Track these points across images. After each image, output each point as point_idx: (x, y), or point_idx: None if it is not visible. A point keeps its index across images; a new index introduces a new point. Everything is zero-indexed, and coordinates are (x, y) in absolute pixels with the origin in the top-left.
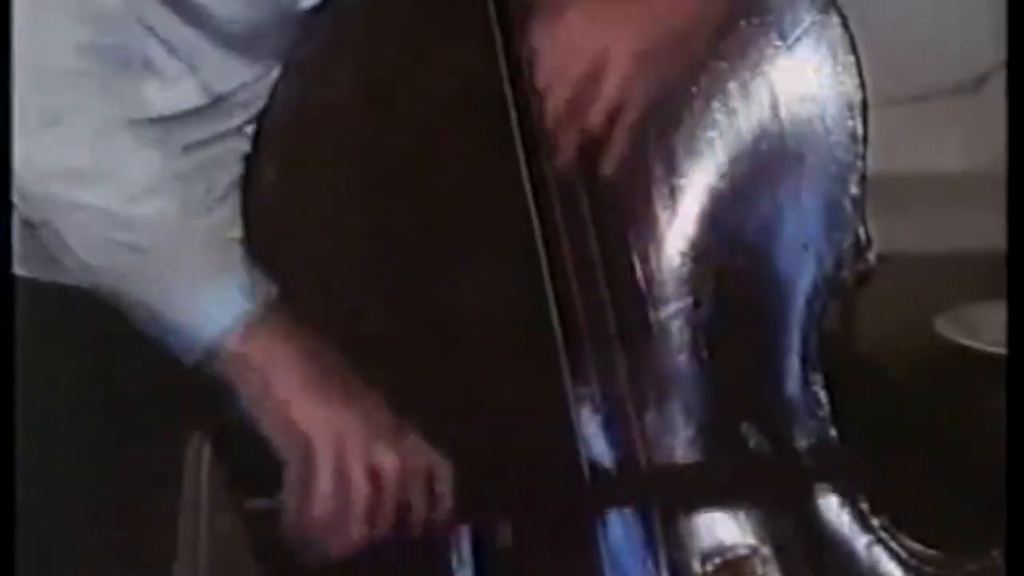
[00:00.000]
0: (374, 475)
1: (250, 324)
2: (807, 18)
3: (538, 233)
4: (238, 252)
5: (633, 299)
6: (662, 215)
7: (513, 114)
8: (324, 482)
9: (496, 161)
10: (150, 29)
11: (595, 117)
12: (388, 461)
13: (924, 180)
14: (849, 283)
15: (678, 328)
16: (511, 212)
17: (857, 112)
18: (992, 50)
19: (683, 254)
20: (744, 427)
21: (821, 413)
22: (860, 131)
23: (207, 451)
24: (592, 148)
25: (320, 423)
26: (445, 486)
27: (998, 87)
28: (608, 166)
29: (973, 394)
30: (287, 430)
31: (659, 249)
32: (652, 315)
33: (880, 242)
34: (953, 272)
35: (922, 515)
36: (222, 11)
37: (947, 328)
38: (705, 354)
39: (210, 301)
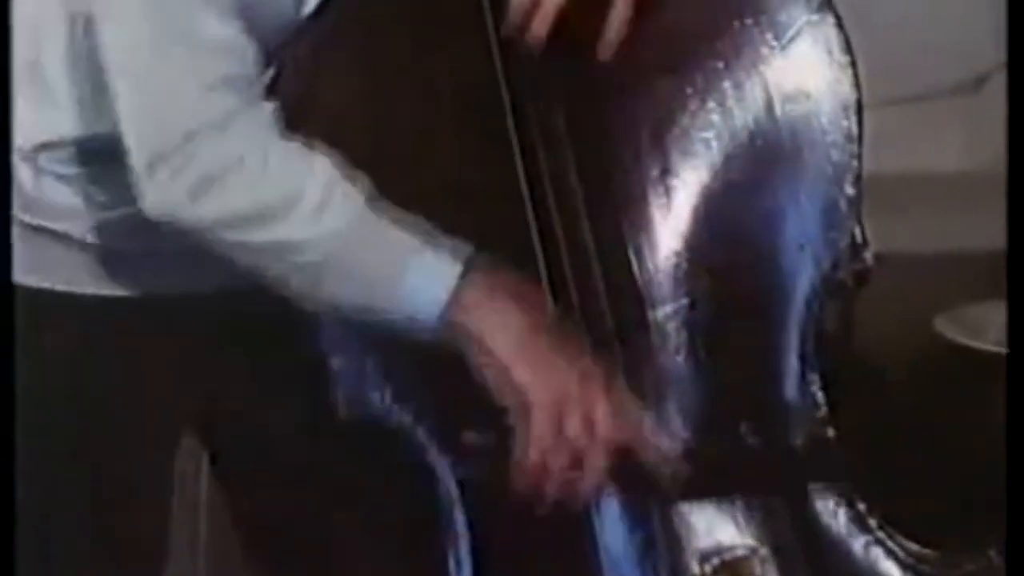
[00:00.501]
0: (589, 427)
1: (459, 291)
2: (802, 18)
3: (535, 234)
4: (414, 223)
5: (630, 299)
6: (657, 215)
7: (509, 112)
8: (543, 437)
9: (493, 158)
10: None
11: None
12: (603, 416)
13: (924, 180)
14: (848, 283)
15: (675, 328)
16: (508, 212)
17: (852, 112)
18: (992, 50)
19: (678, 254)
20: (743, 427)
21: (819, 413)
22: (855, 131)
23: (204, 456)
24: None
25: (538, 379)
26: (664, 444)
27: (998, 87)
28: (604, 52)
29: (972, 393)
30: (509, 390)
31: (655, 249)
32: (649, 315)
33: (880, 242)
34: (953, 272)
35: (920, 515)
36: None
37: (947, 327)
38: (702, 354)
39: (416, 280)
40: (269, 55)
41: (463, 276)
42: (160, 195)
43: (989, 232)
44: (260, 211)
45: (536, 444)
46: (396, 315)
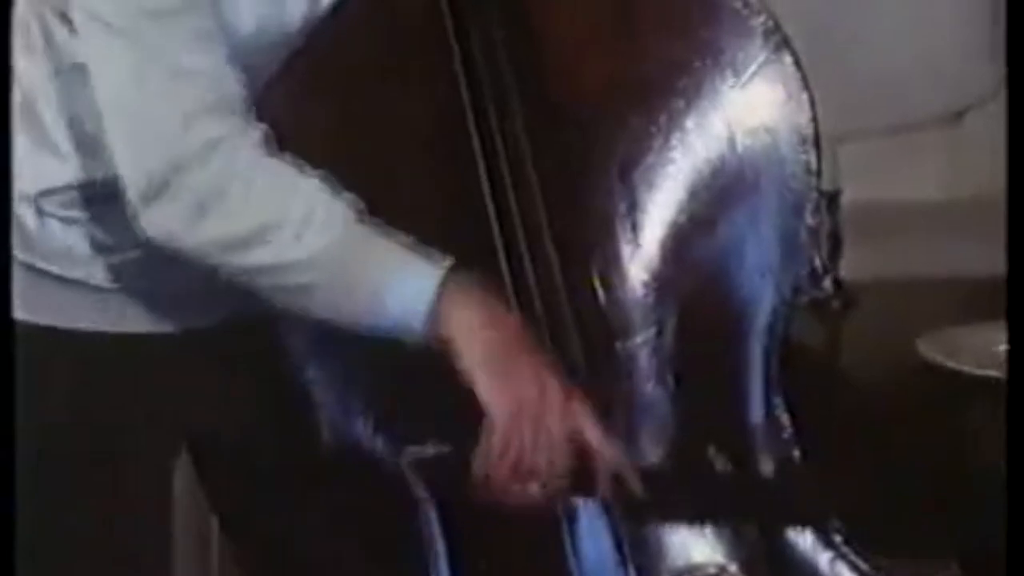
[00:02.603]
0: (546, 441)
1: (437, 301)
2: (759, 57)
3: (505, 269)
4: (396, 236)
5: (599, 330)
6: (625, 247)
7: (477, 145)
8: (499, 447)
9: (463, 193)
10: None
11: None
12: (559, 433)
13: (906, 208)
14: (833, 308)
15: (645, 357)
16: (478, 245)
17: (810, 145)
18: (972, 84)
19: (646, 284)
20: (711, 450)
21: (785, 435)
22: (814, 164)
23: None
24: None
25: (497, 395)
26: (605, 448)
27: (978, 120)
28: None
29: (954, 412)
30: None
31: (623, 280)
32: (619, 345)
33: (864, 268)
34: (935, 296)
35: (885, 528)
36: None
37: (929, 350)
38: (670, 380)
39: (400, 290)
40: (255, 82)
41: (442, 285)
42: (158, 225)
43: (969, 258)
44: (249, 234)
45: (495, 452)
46: (382, 324)
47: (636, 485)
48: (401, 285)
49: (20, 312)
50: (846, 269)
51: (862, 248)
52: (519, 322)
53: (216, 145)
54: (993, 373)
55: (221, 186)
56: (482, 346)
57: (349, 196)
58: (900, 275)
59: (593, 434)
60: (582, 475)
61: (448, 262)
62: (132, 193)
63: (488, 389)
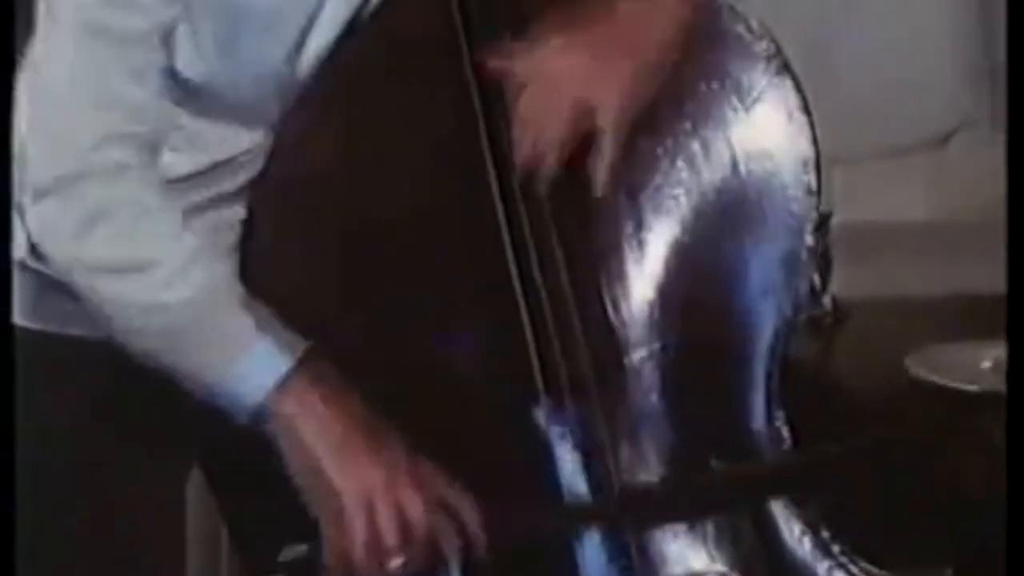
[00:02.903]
0: (402, 521)
1: (285, 384)
2: (762, 81)
3: (518, 287)
4: (265, 311)
5: (607, 344)
6: (632, 266)
7: (492, 169)
8: (357, 533)
9: (477, 214)
10: (173, 113)
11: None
12: (414, 507)
13: (894, 229)
14: (825, 325)
15: (649, 370)
16: (492, 265)
17: (811, 168)
18: (955, 109)
19: (652, 302)
20: (713, 462)
21: (785, 447)
22: (814, 185)
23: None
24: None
25: (348, 479)
26: (473, 521)
27: (961, 144)
28: (599, 189)
29: (942, 426)
30: (319, 487)
31: (629, 298)
32: (625, 358)
33: (854, 286)
34: (923, 314)
35: (882, 539)
36: (231, 94)
37: (917, 366)
38: (674, 393)
39: (248, 364)
40: (268, 120)
41: (293, 369)
42: (44, 224)
43: (954, 277)
44: (125, 263)
45: (349, 543)
46: (221, 393)
47: (479, 538)
48: (251, 360)
49: (30, 320)
50: (837, 287)
51: (852, 267)
52: (362, 406)
53: (121, 170)
54: (979, 388)
55: (113, 209)
56: (330, 432)
57: (223, 263)
58: (889, 294)
59: (451, 496)
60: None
61: (304, 345)
62: (28, 187)
63: (335, 473)
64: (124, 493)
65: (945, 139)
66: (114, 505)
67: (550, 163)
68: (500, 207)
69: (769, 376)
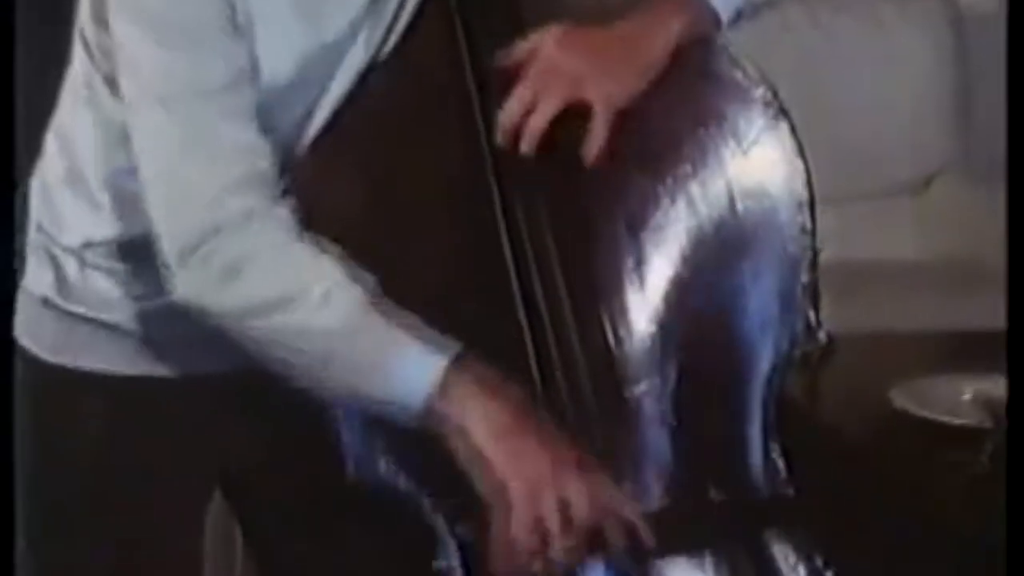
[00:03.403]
0: (565, 511)
1: (445, 383)
2: (760, 125)
3: (524, 322)
4: (412, 318)
5: (610, 378)
6: (633, 301)
7: (499, 210)
8: (522, 523)
9: (484, 254)
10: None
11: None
12: (580, 500)
13: (879, 267)
14: (813, 358)
15: (650, 403)
16: (499, 303)
17: (805, 208)
18: (937, 155)
19: (653, 336)
20: (711, 490)
21: (780, 478)
22: (809, 225)
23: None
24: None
25: (515, 470)
26: (633, 515)
27: (944, 186)
28: (589, 157)
29: (925, 457)
30: (488, 478)
31: (631, 333)
32: (627, 391)
33: (842, 322)
34: (907, 349)
35: (874, 567)
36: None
37: (902, 399)
38: (675, 425)
39: (406, 369)
40: (283, 161)
41: (449, 369)
42: (190, 284)
43: (938, 313)
44: (272, 302)
45: (514, 531)
46: (385, 402)
47: (649, 538)
48: (407, 365)
49: (55, 355)
50: (825, 322)
51: (839, 303)
52: (524, 399)
53: (249, 216)
54: (960, 421)
55: (250, 254)
56: (495, 425)
57: (366, 277)
58: (875, 329)
59: (615, 497)
60: (595, 534)
61: (457, 347)
62: (167, 255)
63: (505, 467)
64: (145, 518)
65: (927, 183)
66: (138, 533)
67: (537, 127)
68: (507, 243)
69: (765, 407)
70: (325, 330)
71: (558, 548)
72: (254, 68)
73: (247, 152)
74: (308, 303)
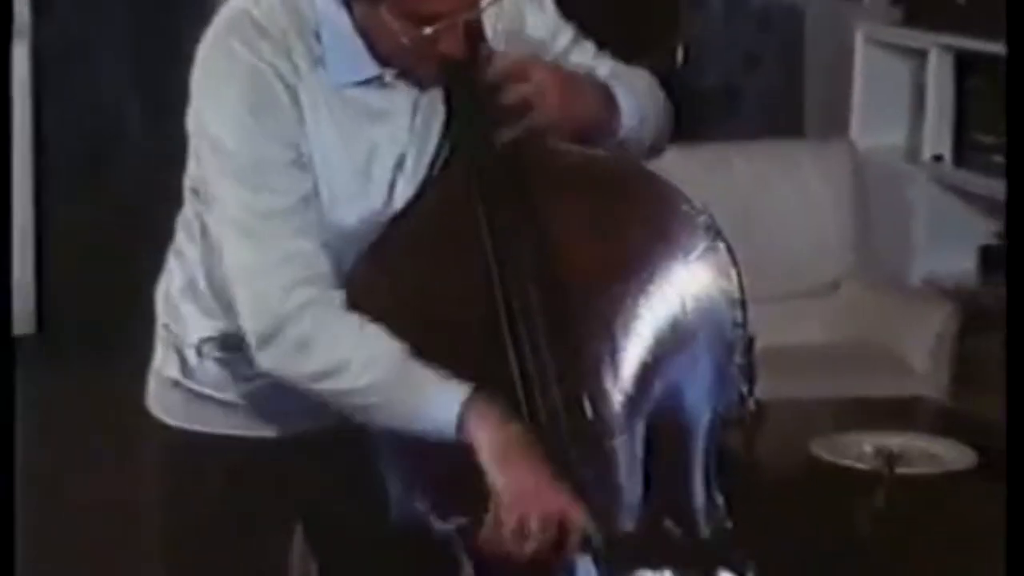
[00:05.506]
0: (544, 518)
1: (468, 412)
2: (702, 243)
3: (520, 391)
4: (434, 367)
5: (588, 436)
6: (608, 378)
7: (503, 313)
8: (510, 521)
9: (491, 346)
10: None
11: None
12: (550, 504)
13: (800, 350)
14: (748, 419)
15: (620, 454)
16: (500, 377)
17: (738, 307)
18: (841, 265)
19: (622, 404)
20: (666, 522)
21: (720, 513)
22: (740, 320)
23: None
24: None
25: (511, 482)
26: (585, 522)
27: (847, 289)
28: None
29: (837, 496)
30: (495, 484)
31: (607, 402)
32: (604, 445)
33: (771, 391)
34: (822, 412)
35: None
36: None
37: (818, 450)
38: (639, 471)
39: (437, 404)
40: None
41: (470, 399)
42: (268, 362)
43: (846, 385)
44: (331, 368)
45: (503, 526)
46: (426, 429)
47: (596, 535)
48: (437, 403)
49: (183, 422)
50: (758, 391)
51: (768, 377)
52: (522, 429)
53: (308, 306)
54: (865, 466)
55: (312, 335)
56: (494, 446)
57: (397, 344)
58: (797, 396)
59: (574, 508)
60: (560, 538)
61: (471, 387)
62: (250, 340)
63: (499, 476)
64: (247, 553)
65: (834, 286)
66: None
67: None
68: (509, 336)
69: (708, 458)
70: (370, 386)
71: (532, 543)
72: (316, 191)
73: (305, 257)
74: (354, 367)
